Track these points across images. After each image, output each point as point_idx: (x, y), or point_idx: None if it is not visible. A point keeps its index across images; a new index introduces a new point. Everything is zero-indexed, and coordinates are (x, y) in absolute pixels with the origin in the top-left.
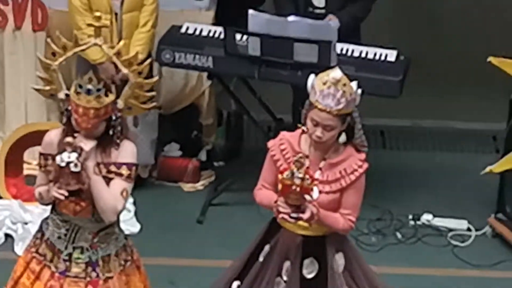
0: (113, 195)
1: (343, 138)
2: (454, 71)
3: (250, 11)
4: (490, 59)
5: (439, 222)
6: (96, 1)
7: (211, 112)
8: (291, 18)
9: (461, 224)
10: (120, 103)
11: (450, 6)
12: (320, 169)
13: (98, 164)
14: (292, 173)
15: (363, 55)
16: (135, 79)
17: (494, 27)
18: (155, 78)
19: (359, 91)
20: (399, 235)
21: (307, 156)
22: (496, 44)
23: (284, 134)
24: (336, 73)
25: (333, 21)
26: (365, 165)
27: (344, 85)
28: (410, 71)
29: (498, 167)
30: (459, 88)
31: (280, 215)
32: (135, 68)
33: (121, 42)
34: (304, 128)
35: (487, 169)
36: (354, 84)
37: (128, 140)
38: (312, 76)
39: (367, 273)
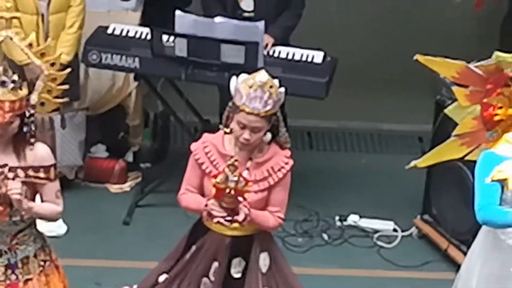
0: (51, 204)
1: (268, 137)
2: (380, 73)
3: (177, 12)
4: (417, 57)
5: (366, 223)
6: (22, 2)
7: (137, 113)
8: (218, 19)
9: (387, 225)
10: (34, 98)
11: (376, 8)
12: (248, 169)
13: (15, 168)
14: (227, 177)
15: (290, 56)
16: (47, 70)
17: (420, 29)
18: (67, 70)
19: (283, 89)
20: (325, 236)
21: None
22: (421, 45)
23: (206, 136)
24: (262, 76)
25: (260, 23)
26: (291, 162)
27: (271, 87)
28: (336, 72)
29: (422, 162)
30: (385, 90)
31: (215, 219)
32: (48, 59)
33: (47, 42)
34: (226, 129)
35: (412, 163)
36: (276, 82)
37: (40, 142)
38: (234, 79)
39: (287, 277)
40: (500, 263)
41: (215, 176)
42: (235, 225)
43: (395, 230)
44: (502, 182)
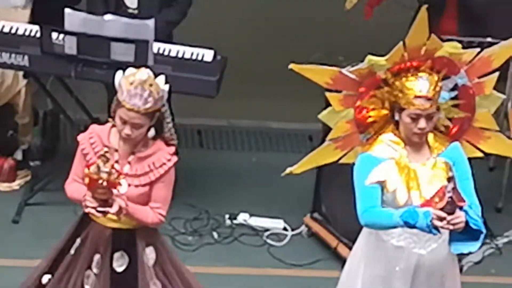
0: None
1: (152, 132)
2: (270, 71)
3: (66, 10)
4: (292, 66)
5: (256, 221)
6: None
7: (27, 111)
8: (107, 17)
9: (277, 224)
10: None
11: (266, 5)
12: (129, 162)
13: None
14: (98, 167)
15: (180, 54)
16: None
17: (307, 27)
18: None
19: (167, 87)
20: (215, 235)
21: (116, 150)
22: (311, 43)
23: (94, 127)
24: (142, 73)
25: (149, 21)
26: (174, 159)
27: (151, 85)
28: (227, 71)
29: (298, 167)
30: (275, 88)
31: (87, 209)
32: None
33: None
34: (113, 122)
35: (287, 170)
36: (161, 80)
37: None
38: (119, 74)
39: (179, 269)
40: (385, 263)
41: (88, 166)
42: (114, 217)
43: (285, 228)
44: (381, 184)
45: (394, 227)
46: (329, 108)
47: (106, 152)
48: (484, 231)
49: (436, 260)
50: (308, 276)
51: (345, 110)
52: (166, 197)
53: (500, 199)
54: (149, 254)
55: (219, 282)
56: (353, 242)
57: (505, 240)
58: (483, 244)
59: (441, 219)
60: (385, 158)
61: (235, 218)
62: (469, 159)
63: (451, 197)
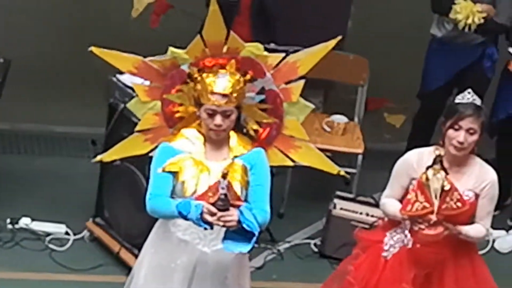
0: None
1: None
2: (54, 75)
3: None
4: (92, 49)
5: (38, 226)
6: None
7: None
8: None
9: (59, 228)
10: None
11: (50, 10)
12: None
13: None
14: None
15: None
16: None
17: (93, 33)
18: None
19: None
20: None
21: None
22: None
23: None
24: None
25: None
26: None
27: None
28: (10, 73)
29: (107, 156)
30: (59, 92)
31: None
32: None
33: None
34: None
35: (98, 157)
36: None
37: None
38: None
39: None
40: (168, 254)
41: None
42: None
43: (67, 233)
44: (174, 174)
45: (173, 217)
46: (136, 98)
47: None
48: (256, 233)
49: (219, 261)
50: (91, 281)
51: (152, 102)
52: None
53: (282, 205)
54: None
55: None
56: (135, 246)
57: (287, 245)
58: (265, 249)
59: (211, 213)
60: (182, 150)
61: (16, 223)
62: (275, 167)
63: (225, 194)
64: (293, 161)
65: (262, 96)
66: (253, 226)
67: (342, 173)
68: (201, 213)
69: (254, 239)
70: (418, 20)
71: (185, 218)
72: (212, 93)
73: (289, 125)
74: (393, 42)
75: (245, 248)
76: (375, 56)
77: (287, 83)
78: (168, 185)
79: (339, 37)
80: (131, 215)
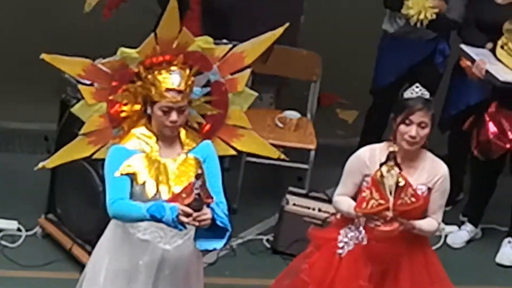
0: None
1: None
2: (6, 70)
3: None
4: (43, 56)
5: None
6: None
7: None
8: None
9: (11, 225)
10: None
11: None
12: None
13: None
14: None
15: None
16: None
17: (49, 26)
18: None
19: None
20: None
21: None
22: (53, 43)
23: None
24: None
25: None
26: None
27: None
28: None
29: (51, 162)
30: (10, 87)
31: None
32: None
33: None
34: None
35: (40, 165)
36: None
37: None
38: None
39: None
40: (129, 257)
41: None
42: None
43: (19, 229)
44: (131, 176)
45: (142, 220)
46: (82, 101)
47: None
48: (230, 229)
49: (180, 257)
50: (43, 277)
51: (98, 104)
52: None
53: (235, 200)
54: None
55: None
56: (88, 243)
57: (240, 241)
58: None
59: (187, 215)
60: (136, 151)
61: None
62: (222, 157)
63: (198, 194)
64: (236, 150)
65: (208, 89)
66: (226, 222)
67: (282, 156)
68: (177, 215)
69: (228, 234)
70: (370, 16)
71: (158, 221)
72: (168, 90)
73: (232, 114)
74: (345, 38)
75: (219, 244)
76: (328, 52)
77: (233, 73)
78: (127, 187)
79: (286, 25)
80: (83, 212)
